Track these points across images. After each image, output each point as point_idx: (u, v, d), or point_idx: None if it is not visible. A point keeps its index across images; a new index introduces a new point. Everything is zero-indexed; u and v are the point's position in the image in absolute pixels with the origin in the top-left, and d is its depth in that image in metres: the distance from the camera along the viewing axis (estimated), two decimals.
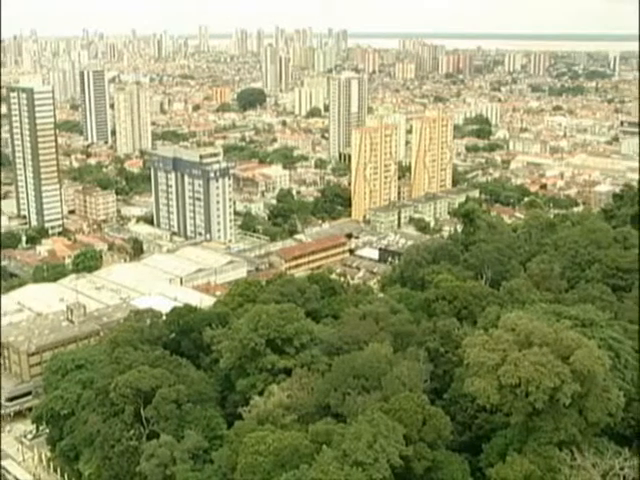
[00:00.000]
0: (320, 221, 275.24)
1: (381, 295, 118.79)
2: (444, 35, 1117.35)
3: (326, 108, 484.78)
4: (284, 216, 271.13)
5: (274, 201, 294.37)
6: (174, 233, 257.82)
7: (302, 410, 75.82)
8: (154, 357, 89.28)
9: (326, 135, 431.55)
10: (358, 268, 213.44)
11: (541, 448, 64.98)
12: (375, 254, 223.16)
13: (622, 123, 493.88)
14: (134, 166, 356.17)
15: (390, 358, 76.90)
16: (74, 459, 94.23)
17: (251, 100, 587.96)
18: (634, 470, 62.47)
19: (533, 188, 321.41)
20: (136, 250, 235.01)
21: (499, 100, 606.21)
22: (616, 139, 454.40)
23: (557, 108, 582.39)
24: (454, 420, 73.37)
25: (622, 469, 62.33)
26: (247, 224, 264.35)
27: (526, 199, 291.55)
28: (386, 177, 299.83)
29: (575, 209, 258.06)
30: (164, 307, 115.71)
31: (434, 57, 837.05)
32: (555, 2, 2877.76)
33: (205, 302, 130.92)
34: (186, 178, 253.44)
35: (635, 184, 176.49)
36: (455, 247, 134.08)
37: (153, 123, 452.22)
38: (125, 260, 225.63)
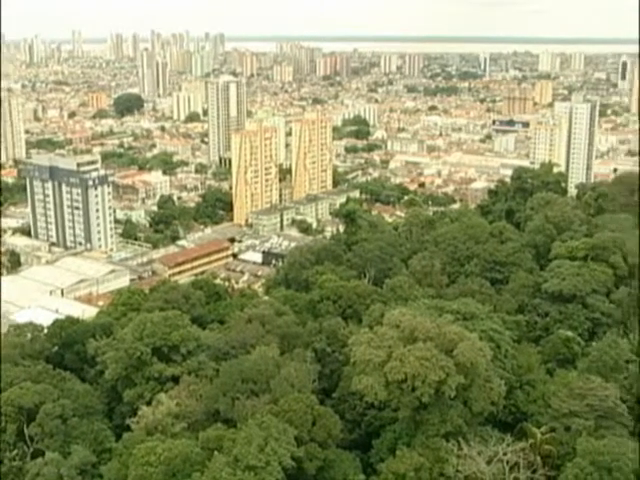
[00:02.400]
0: (202, 226, 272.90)
1: (266, 298, 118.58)
2: (321, 38, 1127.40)
3: (205, 112, 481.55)
4: (166, 222, 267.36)
5: (155, 208, 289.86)
6: (53, 244, 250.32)
7: (192, 417, 74.95)
8: (36, 372, 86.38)
9: (206, 140, 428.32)
10: (242, 272, 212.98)
11: (429, 440, 66.24)
12: (259, 257, 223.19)
13: (494, 122, 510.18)
14: (8, 176, 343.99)
15: (277, 360, 76.90)
16: None
17: (128, 106, 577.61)
18: (516, 454, 64.68)
19: (412, 187, 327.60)
20: (13, 263, 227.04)
21: (376, 101, 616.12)
22: (489, 137, 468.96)
23: (432, 108, 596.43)
24: (344, 418, 73.96)
25: (505, 454, 64.46)
26: (128, 232, 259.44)
27: (405, 197, 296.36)
28: (267, 180, 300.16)
29: (453, 206, 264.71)
30: (45, 320, 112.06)
31: (311, 60, 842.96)
32: (428, 5, 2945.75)
33: (88, 313, 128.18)
34: (64, 187, 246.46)
35: (508, 180, 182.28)
36: (338, 247, 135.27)
37: (27, 131, 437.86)
38: (2, 274, 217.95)
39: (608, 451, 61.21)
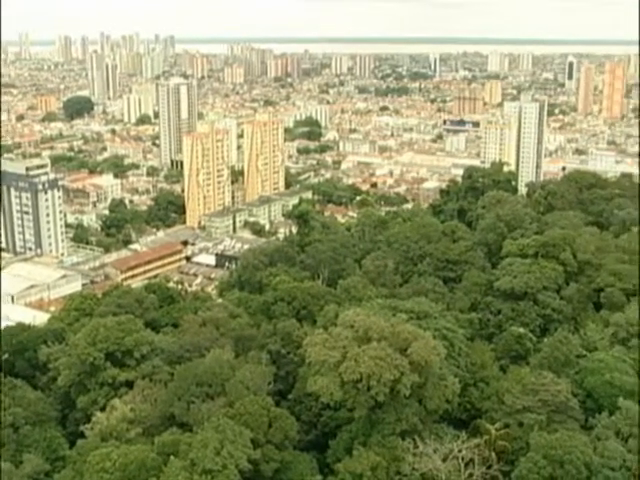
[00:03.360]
0: (155, 229, 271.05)
1: (220, 300, 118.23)
2: (272, 39, 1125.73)
3: (156, 115, 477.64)
4: (118, 226, 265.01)
5: (106, 211, 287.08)
6: (2, 249, 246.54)
7: (147, 422, 74.39)
8: None
9: (157, 142, 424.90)
10: (195, 275, 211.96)
11: (385, 439, 66.63)
12: (212, 260, 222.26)
13: (445, 122, 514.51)
14: None
15: (232, 363, 76.74)
16: None
17: (78, 109, 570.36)
18: (470, 451, 65.34)
19: (364, 187, 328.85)
20: None
21: (328, 102, 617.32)
22: (440, 137, 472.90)
23: (384, 108, 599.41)
24: (300, 420, 74.08)
25: (460, 451, 65.11)
26: (79, 236, 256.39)
27: (358, 198, 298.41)
28: (219, 182, 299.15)
29: (405, 206, 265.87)
30: None
31: (262, 61, 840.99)
32: (377, 6, 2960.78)
33: (39, 319, 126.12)
34: (12, 191, 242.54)
35: (459, 179, 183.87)
36: (291, 249, 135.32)
37: None
38: None
39: (560, 445, 62.21)
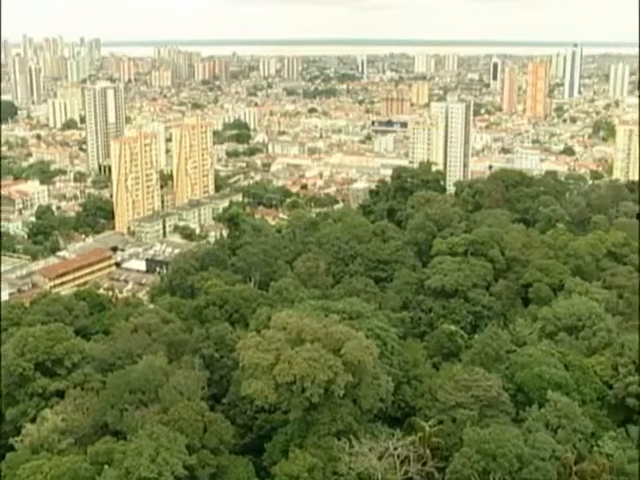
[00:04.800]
0: (83, 236, 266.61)
1: (151, 306, 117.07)
2: (199, 42, 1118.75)
3: (82, 119, 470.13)
4: (45, 233, 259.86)
5: (33, 218, 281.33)
6: None
7: (79, 432, 73.14)
8: None
9: (84, 147, 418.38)
10: (126, 281, 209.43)
11: (321, 440, 66.85)
12: (142, 265, 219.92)
13: (373, 122, 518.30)
14: None
15: (165, 369, 76.00)
16: None
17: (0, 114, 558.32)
18: (406, 448, 65.98)
19: (294, 189, 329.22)
20: None
21: (256, 105, 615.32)
22: (369, 138, 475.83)
23: (312, 110, 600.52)
24: (235, 423, 73.83)
25: (395, 449, 65.75)
26: (5, 244, 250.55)
27: (288, 200, 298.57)
28: (148, 187, 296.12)
29: (335, 207, 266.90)
30: None
31: (190, 64, 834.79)
32: (305, 9, 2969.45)
33: None
34: None
35: (388, 179, 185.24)
36: (222, 252, 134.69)
37: None
38: None
39: (493, 439, 63.35)
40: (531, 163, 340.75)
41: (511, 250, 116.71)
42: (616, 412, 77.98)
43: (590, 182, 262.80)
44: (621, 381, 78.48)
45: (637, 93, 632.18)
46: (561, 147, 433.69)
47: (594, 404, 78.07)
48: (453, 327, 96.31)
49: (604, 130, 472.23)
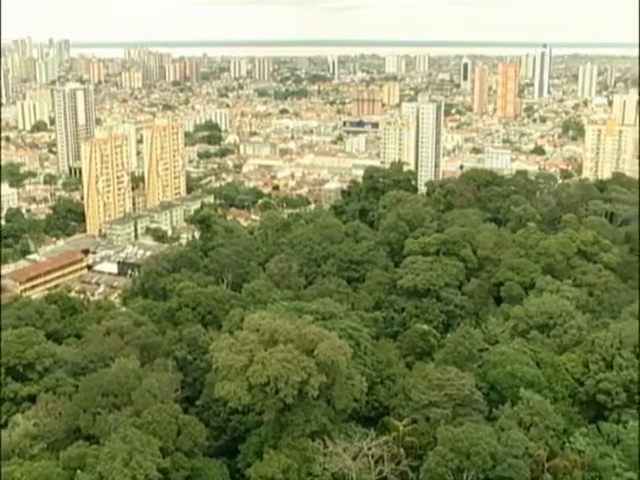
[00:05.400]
0: (54, 239, 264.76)
1: (124, 309, 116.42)
2: (170, 43, 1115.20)
3: (52, 121, 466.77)
4: (15, 236, 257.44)
5: (2, 222, 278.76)
6: None
7: (51, 437, 72.53)
8: None
9: (54, 149, 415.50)
10: (98, 284, 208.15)
11: (295, 441, 66.75)
12: (114, 268, 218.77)
13: (345, 123, 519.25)
14: None
15: (138, 372, 75.58)
16: None
17: None
18: (380, 448, 66.11)
19: (266, 190, 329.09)
20: None
21: (227, 106, 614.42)
22: (340, 138, 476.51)
23: (283, 111, 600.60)
24: (209, 426, 73.56)
25: (370, 449, 65.78)
26: None
27: (260, 201, 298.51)
28: (119, 189, 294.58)
29: (307, 208, 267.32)
30: None
31: (161, 65, 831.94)
32: (275, 10, 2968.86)
33: None
34: None
35: (360, 180, 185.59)
36: (194, 254, 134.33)
37: None
38: None
39: (466, 437, 63.62)
40: (502, 163, 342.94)
41: (483, 249, 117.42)
42: (587, 409, 78.78)
43: (560, 181, 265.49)
44: (592, 378, 79.26)
45: (605, 93, 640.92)
46: (531, 147, 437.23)
47: (566, 401, 78.79)
48: (426, 326, 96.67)
49: (573, 130, 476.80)
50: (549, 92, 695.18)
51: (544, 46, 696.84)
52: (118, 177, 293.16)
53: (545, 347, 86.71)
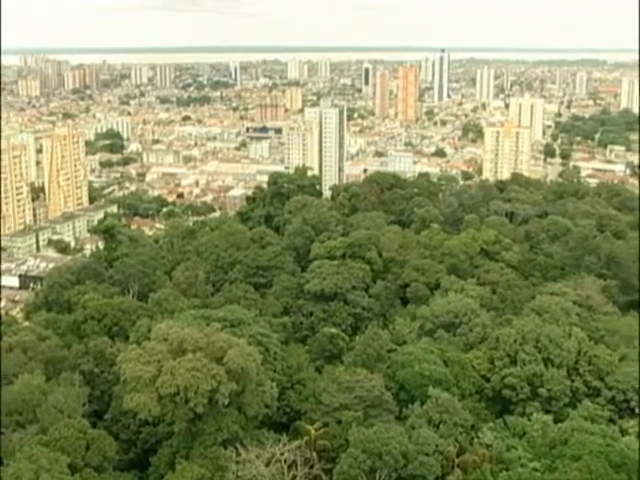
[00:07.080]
0: None
1: (26, 323, 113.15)
2: (68, 50, 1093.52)
3: None
4: None
5: None
6: None
7: None
8: None
9: None
10: None
11: (207, 450, 66.36)
12: (15, 281, 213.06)
13: (248, 129, 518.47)
14: None
15: (43, 387, 73.84)
16: None
17: None
18: (292, 453, 66.24)
19: (171, 198, 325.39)
20: None
21: (129, 113, 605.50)
22: (244, 144, 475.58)
23: (186, 118, 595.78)
24: (118, 439, 72.49)
25: (282, 454, 65.87)
26: None
27: (165, 209, 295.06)
28: (19, 200, 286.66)
29: (213, 215, 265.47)
30: None
31: (59, 73, 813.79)
32: (174, 17, 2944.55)
33: None
34: None
35: (265, 186, 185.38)
36: (99, 265, 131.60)
37: None
38: None
39: (378, 438, 64.42)
40: (404, 165, 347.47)
41: (388, 251, 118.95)
42: (494, 404, 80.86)
43: (461, 182, 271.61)
44: (497, 374, 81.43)
45: (501, 97, 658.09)
46: (433, 149, 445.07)
47: (473, 397, 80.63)
48: (334, 330, 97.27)
49: (473, 132, 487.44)
50: (449, 96, 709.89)
51: (442, 51, 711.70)
52: (17, 188, 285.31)
53: (452, 345, 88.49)
